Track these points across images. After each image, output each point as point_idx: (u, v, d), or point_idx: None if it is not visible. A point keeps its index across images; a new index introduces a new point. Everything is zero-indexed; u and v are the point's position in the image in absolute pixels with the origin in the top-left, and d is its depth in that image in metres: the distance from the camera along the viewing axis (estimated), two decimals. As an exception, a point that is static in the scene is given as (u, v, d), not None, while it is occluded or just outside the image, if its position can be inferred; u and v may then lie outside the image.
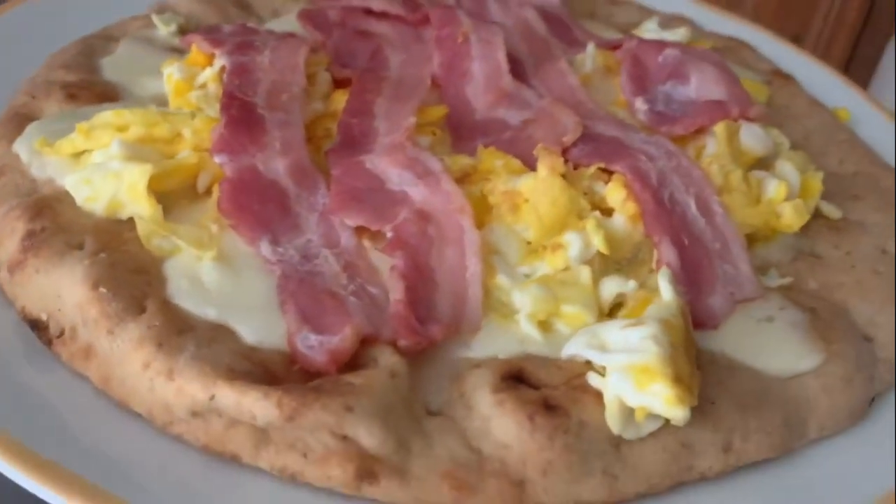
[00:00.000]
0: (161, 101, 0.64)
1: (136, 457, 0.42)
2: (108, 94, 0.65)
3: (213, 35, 0.66)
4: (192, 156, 0.53)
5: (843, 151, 0.71)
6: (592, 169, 0.55)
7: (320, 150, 0.60)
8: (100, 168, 0.51)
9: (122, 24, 0.76)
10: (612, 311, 0.50)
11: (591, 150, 0.56)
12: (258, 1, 0.83)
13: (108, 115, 0.54)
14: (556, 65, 0.70)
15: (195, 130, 0.54)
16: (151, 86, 0.66)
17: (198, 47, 0.64)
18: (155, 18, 0.75)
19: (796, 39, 1.48)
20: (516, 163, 0.56)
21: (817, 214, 0.61)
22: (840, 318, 0.52)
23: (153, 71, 0.67)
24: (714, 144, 0.60)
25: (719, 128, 0.58)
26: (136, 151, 0.52)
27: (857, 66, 1.51)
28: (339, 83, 0.66)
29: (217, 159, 0.52)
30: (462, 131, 0.63)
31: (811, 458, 0.48)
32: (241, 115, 0.55)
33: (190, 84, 0.62)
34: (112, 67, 0.69)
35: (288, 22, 0.79)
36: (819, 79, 0.84)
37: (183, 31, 0.76)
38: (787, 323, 0.51)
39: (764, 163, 0.62)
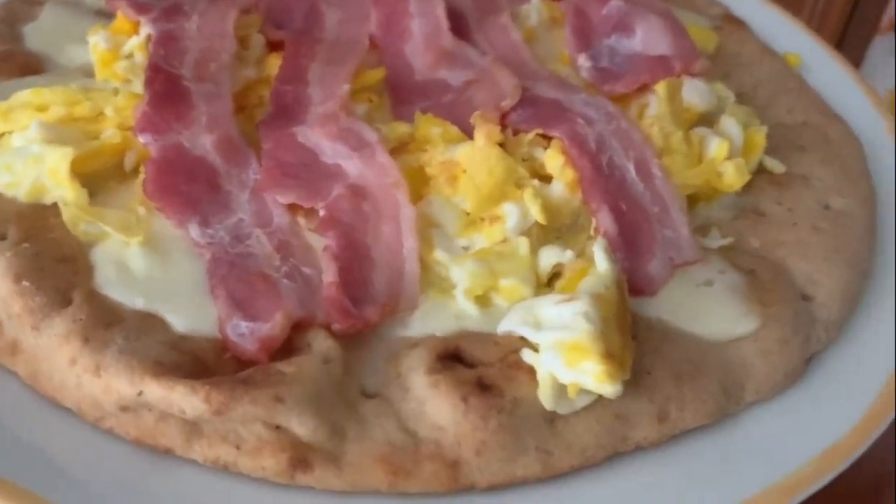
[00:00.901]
0: (88, 72, 0.62)
1: (66, 455, 0.41)
2: (30, 66, 0.62)
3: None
4: (116, 135, 0.51)
5: (792, 100, 0.70)
6: (531, 135, 0.54)
7: (253, 120, 0.58)
8: (20, 152, 0.50)
9: (47, -13, 0.73)
10: (550, 280, 0.50)
11: (530, 114, 0.55)
12: (192, -43, 0.80)
13: (26, 95, 0.52)
14: (499, 19, 0.68)
15: (118, 108, 0.52)
16: (77, 54, 0.63)
17: (123, 14, 0.61)
18: (80, -21, 0.72)
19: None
20: (454, 130, 0.54)
21: (761, 169, 0.61)
22: (779, 278, 0.52)
23: (79, 38, 0.64)
24: (658, 89, 0.59)
25: (660, 87, 0.57)
26: (58, 133, 0.51)
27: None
28: (273, 45, 0.64)
29: (141, 139, 0.50)
30: (402, 94, 0.62)
31: (747, 421, 0.48)
32: (166, 89, 0.53)
33: (116, 54, 0.60)
34: (35, 35, 0.66)
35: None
36: (771, 22, 0.82)
37: (112, -4, 0.73)
38: (726, 286, 0.51)
39: (708, 118, 0.61)
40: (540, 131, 0.54)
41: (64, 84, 0.56)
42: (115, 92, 0.53)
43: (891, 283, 0.57)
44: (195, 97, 0.53)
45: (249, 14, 0.64)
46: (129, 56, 0.60)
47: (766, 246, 0.55)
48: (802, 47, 0.79)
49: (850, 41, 1.45)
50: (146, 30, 0.59)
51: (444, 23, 0.64)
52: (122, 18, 0.62)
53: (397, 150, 0.54)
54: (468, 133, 0.55)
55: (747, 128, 0.61)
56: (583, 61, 0.63)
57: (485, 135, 0.52)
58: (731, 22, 0.80)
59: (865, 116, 0.72)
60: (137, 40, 0.60)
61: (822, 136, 0.66)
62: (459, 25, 0.68)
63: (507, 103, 0.55)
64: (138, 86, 0.58)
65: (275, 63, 0.61)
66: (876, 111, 0.72)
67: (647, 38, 0.66)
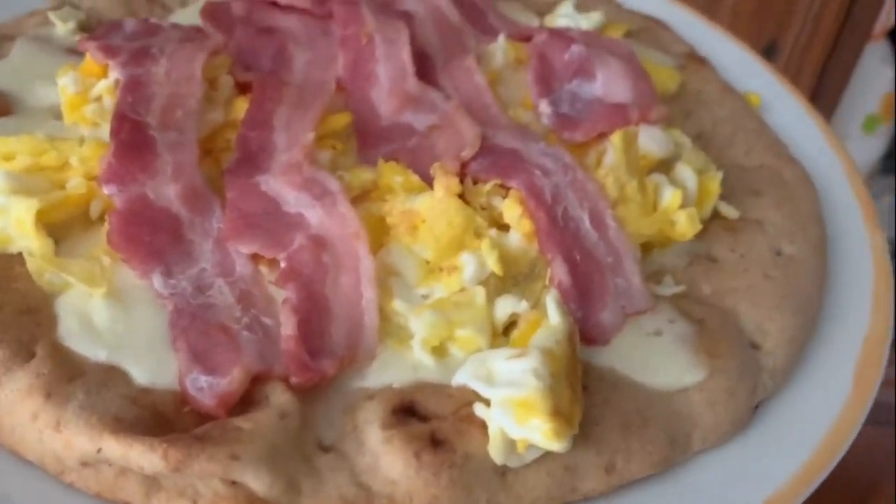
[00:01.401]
0: (57, 112, 0.63)
1: (27, 507, 0.42)
2: (-1, 107, 0.63)
3: (108, 40, 0.64)
4: (82, 185, 0.52)
5: (750, 141, 0.72)
6: (490, 185, 0.55)
7: (220, 165, 0.59)
8: (-16, 203, 0.50)
9: (18, 22, 0.73)
10: (507, 329, 0.51)
11: (490, 163, 0.57)
12: (164, -10, 0.81)
13: (-9, 144, 0.53)
14: (463, 62, 0.69)
15: (83, 158, 0.53)
16: (46, 95, 0.64)
17: (92, 57, 0.62)
18: (52, 16, 0.72)
19: (773, 43, 1.47)
20: (415, 179, 0.56)
21: (716, 214, 0.63)
22: (728, 327, 0.54)
23: (49, 77, 0.65)
24: (613, 139, 0.61)
25: (616, 137, 0.59)
26: (24, 183, 0.51)
27: (833, 70, 1.51)
28: (241, 87, 0.65)
29: (106, 190, 0.51)
30: (368, 138, 0.63)
31: (693, 468, 0.50)
32: (131, 139, 0.53)
33: (85, 97, 0.61)
34: (4, 73, 0.66)
35: (196, 12, 0.77)
36: (736, 59, 0.84)
37: (83, 27, 0.74)
38: (675, 336, 0.52)
39: (665, 163, 0.63)
40: (498, 181, 0.55)
41: (31, 131, 0.57)
42: (81, 142, 0.53)
43: (838, 328, 0.59)
44: (160, 146, 0.54)
45: (218, 55, 0.65)
46: (98, 99, 0.61)
47: (718, 293, 0.57)
48: (766, 85, 0.82)
49: (842, 48, 1.48)
50: (115, 74, 0.60)
51: (410, 67, 0.66)
52: (92, 60, 0.63)
53: (360, 197, 0.56)
54: (429, 180, 0.57)
55: (703, 174, 0.63)
56: (544, 107, 0.65)
57: (444, 186, 0.53)
58: (695, 61, 0.82)
59: (823, 157, 0.74)
60: (106, 83, 0.61)
61: (777, 178, 0.68)
62: (425, 67, 0.70)
63: (467, 153, 0.57)
64: (106, 130, 0.59)
65: (242, 106, 0.62)
66: (832, 151, 0.74)
67: (607, 82, 0.67)
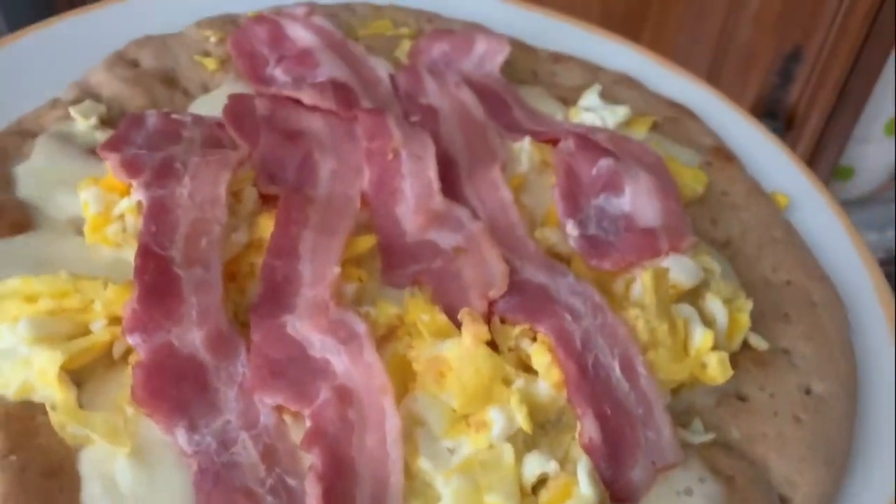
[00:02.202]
0: (78, 226, 0.62)
1: None
2: (20, 222, 0.62)
3: (130, 149, 0.63)
4: (105, 331, 0.51)
5: (778, 254, 0.71)
6: (518, 329, 0.54)
7: (244, 291, 0.58)
8: (8, 354, 0.50)
9: (38, 116, 0.72)
10: (535, 487, 0.51)
11: (518, 304, 0.56)
12: (186, 74, 0.80)
13: (15, 284, 0.52)
14: (489, 173, 0.68)
15: (107, 302, 0.52)
16: (67, 204, 0.63)
17: (115, 175, 0.61)
18: (73, 112, 0.71)
19: (798, 49, 1.46)
20: (442, 319, 0.55)
21: (744, 345, 0.62)
22: (758, 483, 0.53)
23: (70, 183, 0.64)
24: (643, 279, 0.60)
25: (646, 277, 0.58)
26: (46, 328, 0.51)
27: (858, 76, 1.48)
28: (266, 198, 0.65)
29: (130, 340, 0.50)
30: (393, 257, 0.62)
31: None
32: (156, 281, 0.53)
33: (107, 217, 0.60)
34: (27, 179, 0.66)
35: (219, 98, 0.76)
36: (764, 154, 0.83)
37: (104, 121, 0.73)
38: (705, 497, 0.52)
39: (692, 290, 0.62)
40: (527, 325, 0.55)
41: (53, 258, 0.56)
42: (105, 284, 0.53)
43: (867, 474, 0.58)
44: (185, 287, 0.53)
45: (243, 167, 0.64)
46: (121, 217, 0.60)
47: (747, 438, 0.56)
48: (793, 182, 0.80)
49: (868, 54, 1.45)
50: (137, 195, 0.59)
51: (436, 184, 0.65)
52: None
53: (386, 337, 0.55)
54: (455, 313, 0.56)
55: (732, 303, 0.62)
56: (570, 229, 0.63)
57: (472, 334, 0.52)
58: (722, 156, 0.80)
59: (852, 267, 0.73)
60: (129, 203, 0.60)
61: (806, 300, 0.67)
62: (450, 175, 0.69)
63: (494, 293, 0.56)
64: (129, 252, 0.58)
65: (267, 225, 0.62)
66: (864, 267, 0.73)
67: (635, 197, 0.67)
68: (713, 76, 1.51)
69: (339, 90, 0.73)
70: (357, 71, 0.78)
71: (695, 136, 0.83)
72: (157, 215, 0.58)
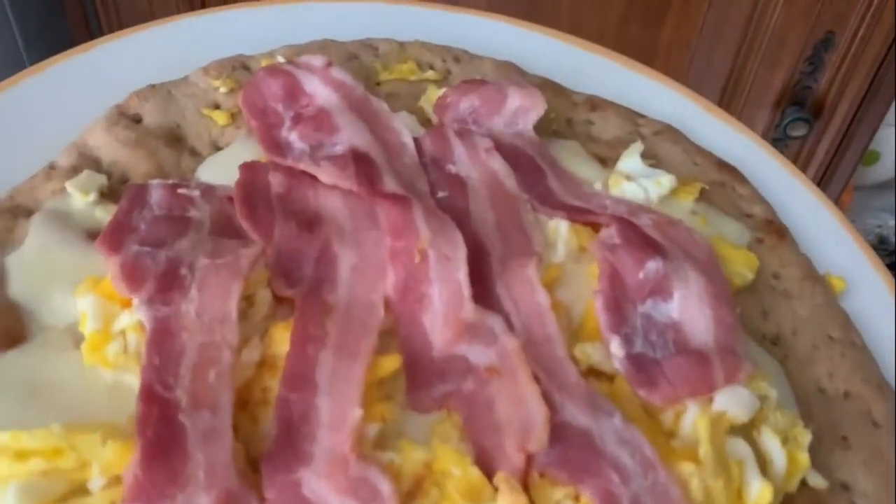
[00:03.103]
0: (76, 336, 0.56)
1: None
2: (12, 332, 0.57)
3: (131, 251, 0.58)
4: (104, 495, 0.46)
5: (834, 360, 0.65)
6: (561, 493, 0.49)
7: (257, 421, 0.53)
8: (-4, 526, 0.45)
9: (33, 187, 0.67)
10: None
11: (559, 457, 0.50)
12: (193, 130, 0.74)
13: (4, 439, 0.47)
14: (524, 271, 0.62)
15: (106, 465, 0.47)
16: (65, 307, 0.58)
17: (114, 286, 0.56)
18: (70, 187, 0.65)
19: (831, 35, 1.40)
20: (474, 474, 0.50)
21: (801, 482, 0.56)
22: None
23: (67, 281, 0.59)
24: (695, 409, 0.55)
25: (702, 425, 0.52)
26: (39, 492, 0.46)
27: (891, 64, 1.44)
28: (280, 299, 0.59)
29: (131, 511, 0.46)
30: (419, 375, 0.57)
31: None
32: (160, 435, 0.47)
33: (107, 333, 0.55)
34: (19, 274, 0.60)
35: (230, 160, 0.70)
36: (818, 223, 0.77)
37: (104, 194, 0.67)
38: None
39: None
40: (569, 485, 0.50)
41: (48, 397, 0.51)
42: (104, 441, 0.47)
43: None
44: (191, 439, 0.48)
45: (256, 268, 0.59)
46: (122, 333, 0.55)
47: None
48: (848, 260, 0.74)
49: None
50: (139, 314, 0.54)
51: (467, 290, 0.59)
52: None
53: (411, 494, 0.50)
54: (488, 457, 0.51)
55: (790, 430, 0.56)
56: (615, 349, 0.58)
57: (510, 502, 0.47)
58: (773, 232, 0.74)
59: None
60: (129, 320, 0.55)
61: (866, 419, 0.61)
62: (480, 266, 0.63)
63: (533, 447, 0.50)
64: (129, 377, 0.53)
65: (281, 338, 0.56)
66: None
67: (685, 304, 0.61)
68: (740, 62, 1.44)
69: (361, 164, 0.66)
70: (380, 135, 0.71)
71: (744, 205, 0.76)
72: (161, 342, 0.52)
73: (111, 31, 1.29)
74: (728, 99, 1.50)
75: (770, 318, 0.68)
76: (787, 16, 1.37)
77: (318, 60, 0.75)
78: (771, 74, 1.46)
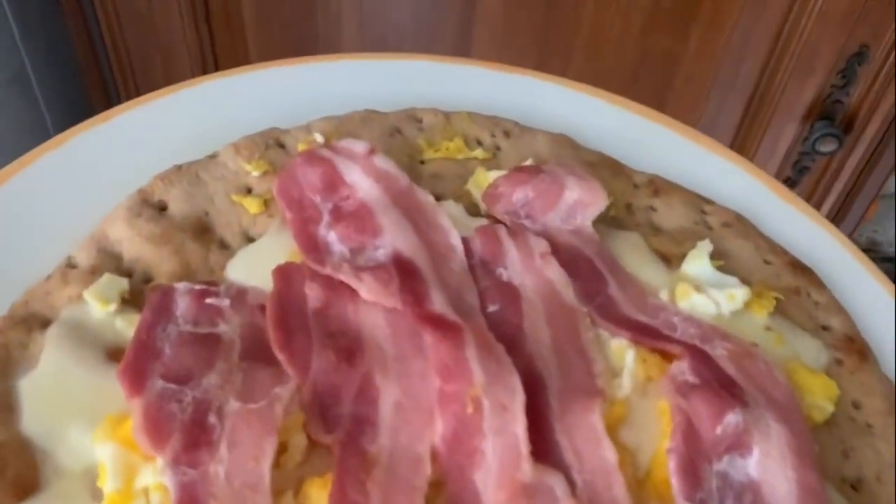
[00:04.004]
0: (92, 487, 0.51)
1: None
2: (25, 480, 0.51)
3: (155, 388, 0.52)
4: None
5: (923, 514, 0.59)
6: None
7: None
8: None
9: (48, 292, 0.61)
10: None
11: None
12: (222, 219, 0.68)
13: None
14: (587, 417, 0.56)
15: None
16: (82, 448, 0.52)
17: (136, 441, 0.50)
18: (88, 297, 0.60)
19: (864, 48, 1.35)
20: None
21: None
22: None
23: (86, 413, 0.54)
24: None
25: None
26: None
27: None
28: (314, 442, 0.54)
29: None
30: (468, 542, 0.51)
31: None
32: None
33: (128, 492, 0.49)
34: (33, 405, 0.54)
35: (262, 257, 0.65)
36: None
37: (125, 299, 0.61)
38: None
39: None
40: None
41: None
42: None
43: None
44: None
45: (290, 410, 0.53)
46: (144, 492, 0.50)
47: None
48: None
49: None
50: (163, 478, 0.49)
51: (525, 445, 0.53)
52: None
53: None
54: None
55: None
56: (690, 520, 0.52)
57: None
58: (854, 352, 0.67)
59: None
60: (153, 479, 0.49)
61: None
62: (537, 403, 0.57)
63: None
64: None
65: (317, 496, 0.51)
66: None
67: (765, 462, 0.54)
68: (768, 73, 1.38)
69: (406, 278, 0.60)
70: (426, 236, 0.65)
71: (821, 316, 0.70)
72: (187, 515, 0.47)
73: (127, 90, 1.24)
74: (754, 111, 1.44)
75: (851, 459, 0.61)
76: (821, 27, 1.30)
77: (359, 146, 0.69)
78: (801, 87, 1.40)
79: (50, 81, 1.18)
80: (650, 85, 1.37)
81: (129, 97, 1.27)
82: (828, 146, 1.45)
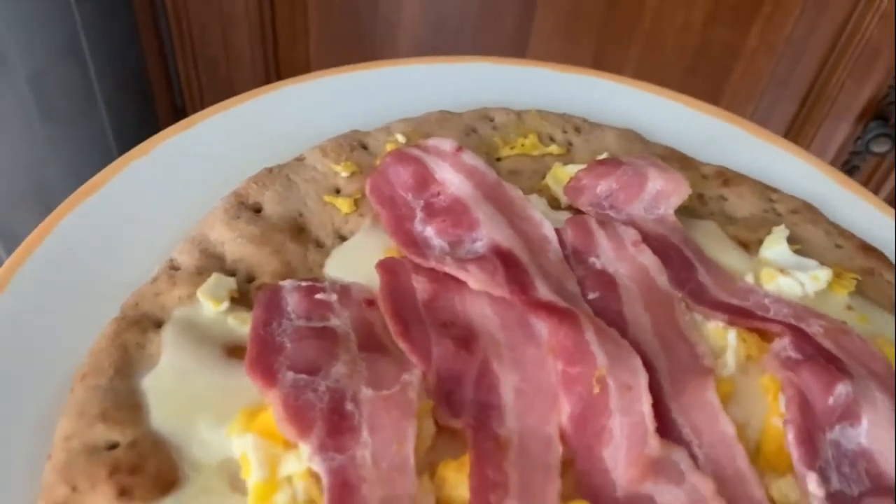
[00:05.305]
0: (232, 477, 0.52)
1: None
2: (165, 475, 0.52)
3: (287, 381, 0.53)
4: None
5: None
6: None
7: (440, 581, 0.49)
8: None
9: (158, 293, 0.62)
10: None
11: None
12: (316, 220, 0.69)
13: None
14: (702, 394, 0.58)
15: None
16: (214, 442, 0.53)
17: (280, 430, 0.51)
18: (201, 296, 0.61)
19: None
20: None
21: None
22: None
23: (214, 408, 0.55)
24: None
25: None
26: None
27: None
28: (441, 428, 0.55)
29: None
30: (602, 515, 0.53)
31: None
32: None
33: (273, 481, 0.50)
34: (159, 403, 0.55)
35: (357, 254, 0.66)
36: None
37: (234, 298, 0.62)
38: None
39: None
40: None
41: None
42: None
43: None
44: None
45: (420, 398, 0.54)
46: (288, 480, 0.51)
47: None
48: None
49: None
50: (312, 463, 0.49)
51: (651, 422, 0.54)
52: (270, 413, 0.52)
53: None
54: None
55: None
56: (814, 488, 0.53)
57: None
58: (932, 327, 0.70)
59: None
60: (297, 466, 0.50)
61: None
62: (650, 388, 0.58)
63: None
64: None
65: (454, 480, 0.52)
66: None
67: (874, 431, 0.56)
68: (826, 71, 1.39)
69: (510, 267, 0.62)
70: (520, 228, 0.66)
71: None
72: (343, 500, 0.48)
73: (188, 72, 1.24)
74: (809, 109, 1.45)
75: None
76: (883, 28, 1.31)
77: (447, 144, 0.70)
78: (859, 87, 1.40)
79: (103, 52, 1.18)
80: (707, 78, 1.38)
81: (186, 70, 1.27)
82: (881, 146, 1.46)
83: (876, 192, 1.57)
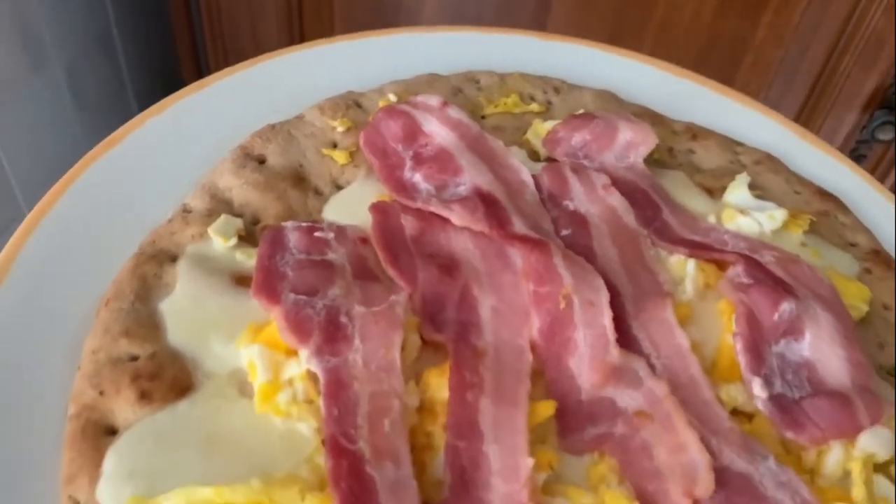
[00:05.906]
0: (241, 384, 0.59)
1: None
2: (181, 381, 0.59)
3: (289, 300, 0.60)
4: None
5: (954, 391, 0.67)
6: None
7: (425, 468, 0.56)
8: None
9: (172, 232, 0.69)
10: None
11: (724, 502, 0.53)
12: (315, 170, 0.76)
13: (207, 493, 0.50)
14: (660, 312, 0.64)
15: (306, 516, 0.49)
16: (225, 355, 0.60)
17: (282, 338, 0.58)
18: (212, 233, 0.68)
19: None
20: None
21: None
22: None
23: (224, 326, 0.62)
24: (839, 450, 0.57)
25: (855, 468, 0.55)
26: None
27: None
28: (426, 343, 0.62)
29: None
30: (569, 418, 0.59)
31: None
32: (352, 488, 0.50)
33: (276, 384, 0.57)
34: (175, 322, 0.62)
35: (353, 199, 0.73)
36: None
37: (241, 236, 0.69)
38: None
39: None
40: (735, 534, 0.52)
41: (227, 448, 0.54)
42: (302, 496, 0.50)
43: None
44: (381, 493, 0.51)
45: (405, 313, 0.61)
46: (290, 382, 0.57)
47: None
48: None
49: None
50: (310, 365, 0.56)
51: (612, 334, 0.61)
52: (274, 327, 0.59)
53: (586, 537, 0.52)
54: (650, 499, 0.53)
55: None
56: (758, 390, 0.60)
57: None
58: (881, 262, 0.76)
59: None
60: (297, 370, 0.57)
61: None
62: (615, 310, 0.64)
63: (701, 492, 0.53)
64: (303, 425, 0.56)
65: (436, 383, 0.59)
66: None
67: (816, 344, 0.63)
68: (833, 61, 1.42)
69: (489, 206, 0.68)
70: (500, 174, 0.73)
71: (848, 235, 0.78)
72: (336, 393, 0.55)
73: (217, 63, 1.31)
74: (817, 97, 1.48)
75: (885, 350, 0.70)
76: (889, 17, 1.34)
77: (434, 100, 0.77)
78: (865, 76, 1.43)
79: (134, 44, 1.25)
80: (717, 68, 1.40)
81: (217, 63, 1.34)
82: (887, 134, 1.48)
83: (882, 179, 1.59)
